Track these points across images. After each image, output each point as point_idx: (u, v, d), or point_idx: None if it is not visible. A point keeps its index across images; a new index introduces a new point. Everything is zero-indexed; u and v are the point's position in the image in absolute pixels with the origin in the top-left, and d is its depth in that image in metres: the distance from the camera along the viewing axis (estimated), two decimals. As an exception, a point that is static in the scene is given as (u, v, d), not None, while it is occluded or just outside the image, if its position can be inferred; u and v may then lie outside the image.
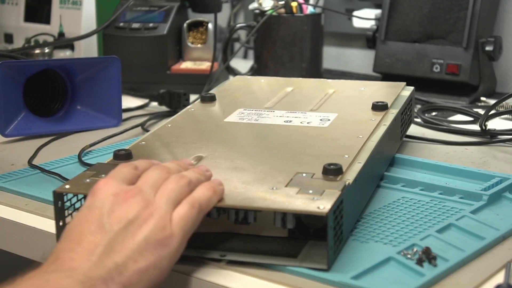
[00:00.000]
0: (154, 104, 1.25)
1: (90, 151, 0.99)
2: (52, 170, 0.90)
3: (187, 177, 0.66)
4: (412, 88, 1.01)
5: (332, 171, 0.69)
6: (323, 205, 0.63)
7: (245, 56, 1.71)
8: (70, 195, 0.71)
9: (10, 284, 0.56)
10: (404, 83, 1.02)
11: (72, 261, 0.58)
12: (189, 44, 1.37)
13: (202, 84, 1.28)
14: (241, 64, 1.48)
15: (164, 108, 1.22)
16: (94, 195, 0.63)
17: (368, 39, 1.37)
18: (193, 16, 1.40)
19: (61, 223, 0.69)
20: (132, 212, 0.61)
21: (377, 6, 1.45)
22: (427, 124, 1.12)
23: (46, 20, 1.43)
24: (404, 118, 0.96)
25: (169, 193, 0.64)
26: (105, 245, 0.59)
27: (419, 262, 0.65)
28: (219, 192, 0.66)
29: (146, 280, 0.60)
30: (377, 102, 0.90)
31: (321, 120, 0.87)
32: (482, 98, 1.28)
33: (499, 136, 1.04)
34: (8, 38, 1.49)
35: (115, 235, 0.60)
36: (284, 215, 0.66)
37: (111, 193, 0.63)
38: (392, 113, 0.89)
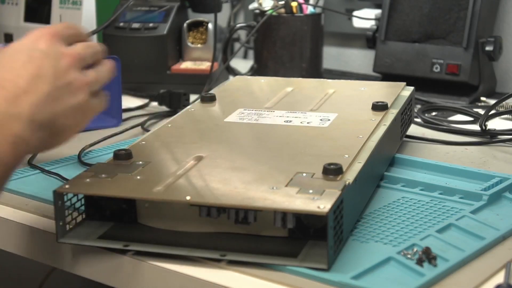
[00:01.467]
0: (154, 104, 1.25)
1: (90, 151, 0.99)
2: (52, 170, 0.90)
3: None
4: (412, 88, 1.01)
5: (332, 171, 0.69)
6: (323, 204, 0.63)
7: (245, 56, 1.71)
8: (70, 195, 0.71)
9: None
10: (404, 83, 1.02)
11: (17, 100, 0.63)
12: (189, 44, 1.37)
13: (202, 84, 1.28)
14: (241, 64, 1.48)
15: (164, 108, 1.22)
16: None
17: (368, 39, 1.37)
18: (193, 16, 1.40)
19: (61, 223, 0.69)
20: (71, 77, 0.68)
21: (377, 6, 1.45)
22: (427, 124, 1.12)
23: (46, 20, 1.42)
24: (404, 118, 0.96)
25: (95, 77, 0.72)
26: (47, 94, 0.65)
27: (419, 262, 0.65)
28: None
29: (65, 136, 0.68)
30: (377, 102, 0.90)
31: (321, 120, 0.87)
32: (482, 98, 1.28)
33: (499, 136, 1.04)
34: (8, 38, 1.49)
35: (56, 89, 0.66)
36: (284, 215, 0.66)
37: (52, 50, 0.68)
38: (392, 113, 0.89)
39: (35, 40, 0.68)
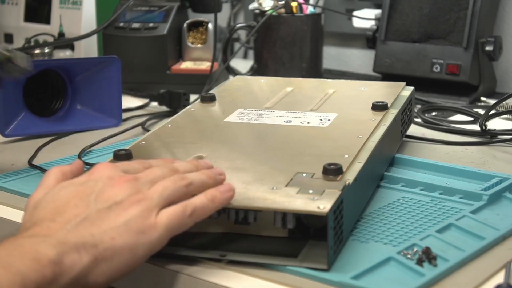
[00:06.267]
0: (154, 104, 1.25)
1: (90, 151, 0.99)
2: (52, 170, 0.90)
3: (188, 179, 0.65)
4: (412, 88, 1.01)
5: (332, 171, 0.69)
6: (323, 205, 0.63)
7: (245, 56, 1.71)
8: (70, 195, 0.71)
9: None
10: (404, 83, 1.02)
11: (49, 229, 0.59)
12: (189, 44, 1.37)
13: (202, 84, 1.28)
14: (241, 64, 1.48)
15: (164, 108, 1.22)
16: (91, 175, 0.64)
17: (368, 39, 1.37)
18: (193, 16, 1.40)
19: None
20: (121, 195, 0.62)
21: (377, 6, 1.45)
22: (427, 124, 1.12)
23: (46, 20, 1.42)
24: (404, 118, 0.96)
25: (163, 189, 0.63)
26: (85, 217, 0.60)
27: (419, 262, 0.65)
28: (220, 201, 0.65)
29: (118, 261, 0.59)
30: (377, 102, 0.90)
31: (321, 120, 0.87)
32: (482, 98, 1.28)
33: (499, 136, 1.04)
34: (8, 38, 1.49)
35: (98, 212, 0.60)
36: (284, 215, 0.66)
37: (107, 176, 0.63)
38: (392, 113, 0.89)
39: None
